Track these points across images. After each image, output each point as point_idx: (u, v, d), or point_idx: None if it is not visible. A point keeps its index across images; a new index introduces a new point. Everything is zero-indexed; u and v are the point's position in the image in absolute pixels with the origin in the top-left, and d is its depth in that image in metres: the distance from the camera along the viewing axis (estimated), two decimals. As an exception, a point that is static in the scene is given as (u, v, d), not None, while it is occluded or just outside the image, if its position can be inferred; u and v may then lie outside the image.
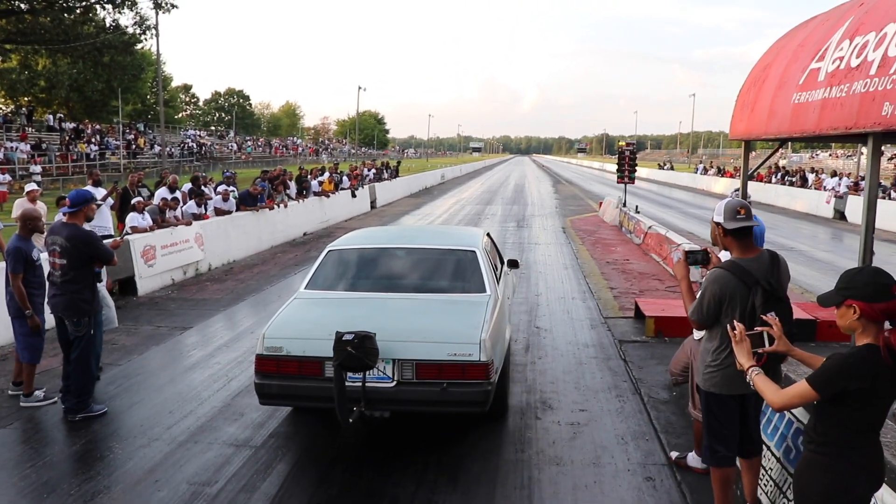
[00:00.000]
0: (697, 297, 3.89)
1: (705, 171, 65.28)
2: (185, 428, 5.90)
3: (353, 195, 24.27)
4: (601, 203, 25.80)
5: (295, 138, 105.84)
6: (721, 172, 48.40)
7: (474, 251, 6.40)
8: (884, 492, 3.46)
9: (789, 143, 5.88)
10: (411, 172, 47.14)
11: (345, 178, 24.85)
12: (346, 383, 4.98)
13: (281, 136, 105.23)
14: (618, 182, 22.16)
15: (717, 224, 3.90)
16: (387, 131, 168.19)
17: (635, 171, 21.66)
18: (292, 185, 19.21)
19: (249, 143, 77.21)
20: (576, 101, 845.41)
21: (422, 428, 5.90)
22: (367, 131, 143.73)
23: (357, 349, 4.85)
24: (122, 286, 11.06)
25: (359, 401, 5.01)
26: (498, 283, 6.44)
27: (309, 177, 21.50)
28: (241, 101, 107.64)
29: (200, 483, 4.94)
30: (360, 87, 79.44)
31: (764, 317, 3.29)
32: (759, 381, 3.00)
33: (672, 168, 64.22)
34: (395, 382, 5.05)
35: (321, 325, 5.21)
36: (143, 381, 7.15)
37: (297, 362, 5.13)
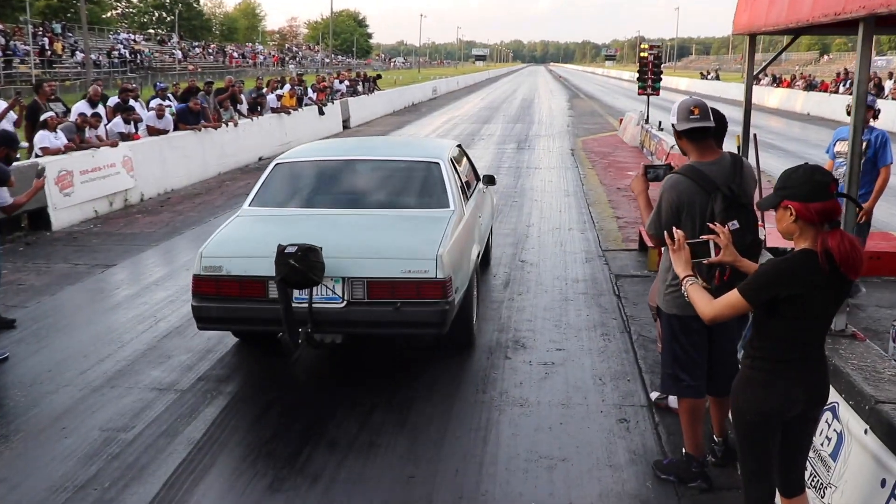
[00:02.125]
0: (655, 207, 4.23)
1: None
2: (101, 373, 6.31)
3: (321, 112, 24.44)
4: (621, 120, 26.05)
5: (255, 44, 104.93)
6: (777, 82, 48.26)
7: (438, 163, 6.84)
8: (849, 416, 3.86)
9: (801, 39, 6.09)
10: (398, 86, 47.17)
11: (310, 91, 24.99)
12: (293, 304, 5.43)
13: (237, 42, 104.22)
14: (639, 94, 22.35)
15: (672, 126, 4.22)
16: (369, 36, 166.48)
17: (660, 80, 21.80)
18: (244, 99, 19.39)
19: (198, 49, 76.69)
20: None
21: (374, 366, 6.36)
22: (345, 36, 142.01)
23: (300, 262, 5.29)
24: (31, 219, 11.39)
25: (306, 322, 5.46)
26: (468, 199, 7.03)
27: (265, 90, 21.65)
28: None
29: (114, 429, 5.35)
30: None
31: (711, 224, 3.61)
32: (692, 291, 3.32)
33: (717, 78, 64.01)
34: (344, 302, 5.54)
35: (265, 243, 5.60)
36: (54, 323, 7.54)
37: (238, 282, 5.59)
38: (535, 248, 10.30)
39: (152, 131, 15.02)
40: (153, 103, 16.02)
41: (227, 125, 17.53)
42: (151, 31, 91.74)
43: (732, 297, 3.14)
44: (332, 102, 26.29)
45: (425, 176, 6.78)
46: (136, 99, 16.25)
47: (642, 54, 22.16)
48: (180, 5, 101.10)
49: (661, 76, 22.08)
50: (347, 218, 6.29)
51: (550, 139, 24.29)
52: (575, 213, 12.64)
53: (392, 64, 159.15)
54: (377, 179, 6.92)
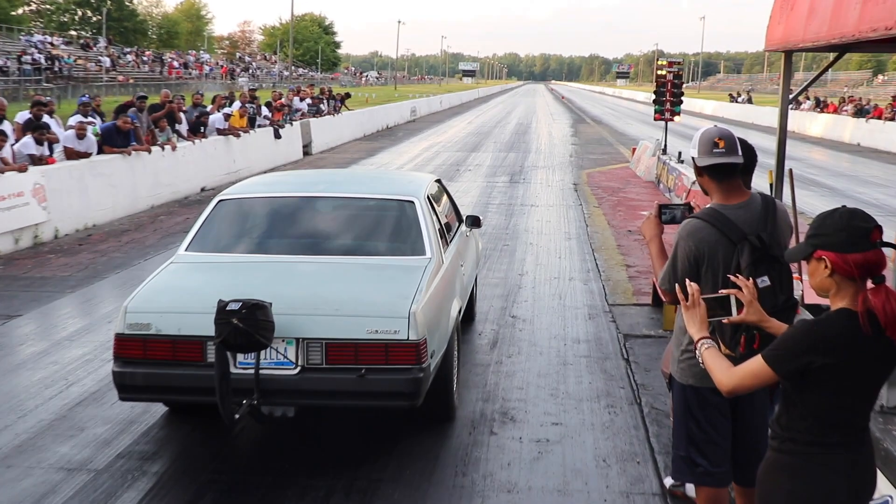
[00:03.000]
0: (669, 257, 4.26)
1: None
2: (-2, 446, 6.25)
3: (277, 135, 24.59)
4: (634, 150, 26.37)
5: (200, 52, 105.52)
6: (821, 106, 48.92)
7: (413, 201, 6.85)
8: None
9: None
10: (370, 105, 47.56)
11: (264, 110, 25.15)
12: (236, 369, 5.43)
13: (178, 49, 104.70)
14: (655, 119, 22.64)
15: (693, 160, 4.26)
16: (337, 45, 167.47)
17: (680, 102, 22.08)
18: (182, 118, 19.48)
19: (130, 56, 77.12)
20: (618, 2, 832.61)
21: (332, 440, 6.33)
22: (308, 44, 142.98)
23: (244, 321, 5.20)
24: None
25: (251, 392, 5.42)
26: (448, 245, 7.16)
27: (210, 107, 21.76)
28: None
29: (12, 517, 5.30)
30: None
31: (732, 277, 3.64)
32: (708, 356, 3.31)
33: (750, 100, 64.87)
34: (298, 368, 5.50)
35: (203, 296, 5.58)
36: (-54, 384, 7.47)
37: (170, 343, 5.53)
38: (529, 302, 10.33)
39: (71, 154, 15.04)
40: (73, 120, 16.06)
41: (162, 148, 17.59)
42: (73, 32, 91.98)
43: (755, 364, 3.12)
44: (291, 124, 26.47)
45: (398, 217, 6.82)
46: (51, 115, 16.29)
47: (660, 72, 22.45)
48: (109, 3, 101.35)
49: (682, 98, 22.32)
50: (304, 266, 6.31)
51: (550, 171, 24.51)
52: (577, 260, 12.71)
53: (364, 79, 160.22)
54: (341, 221, 6.96)
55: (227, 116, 21.67)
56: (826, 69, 7.30)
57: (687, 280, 3.61)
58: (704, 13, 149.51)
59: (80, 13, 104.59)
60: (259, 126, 23.85)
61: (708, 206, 4.25)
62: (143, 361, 5.56)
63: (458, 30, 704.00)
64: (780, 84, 6.76)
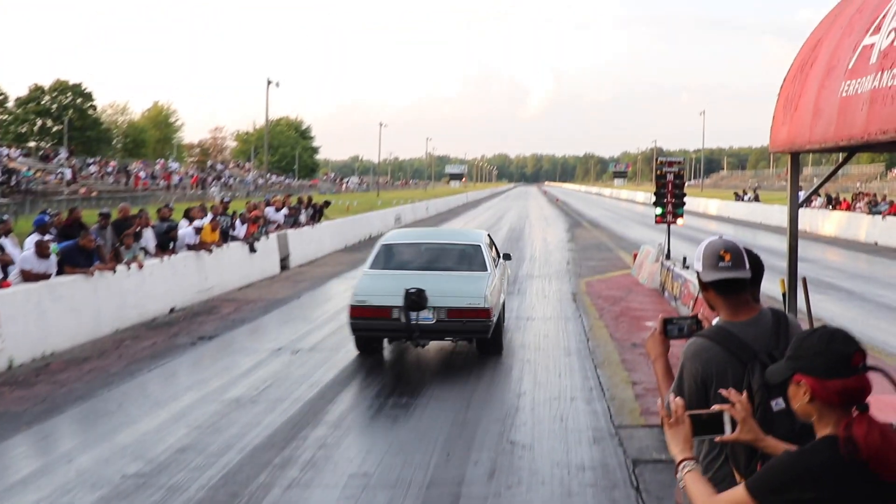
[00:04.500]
0: (675, 378, 4.24)
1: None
2: None
3: (252, 249, 24.64)
4: (636, 255, 26.55)
5: (169, 161, 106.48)
6: (833, 203, 49.43)
7: (479, 245, 15.13)
8: None
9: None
10: (351, 213, 47.73)
11: (238, 223, 25.27)
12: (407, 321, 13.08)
13: (145, 159, 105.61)
14: (657, 222, 22.85)
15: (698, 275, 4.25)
16: (315, 150, 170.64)
17: (683, 203, 22.33)
18: (149, 233, 19.54)
19: (93, 167, 77.76)
20: (612, 98, 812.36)
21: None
22: (285, 150, 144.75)
23: (417, 297, 12.87)
24: None
25: (415, 331, 13.06)
26: (496, 267, 14.94)
27: (183, 221, 21.86)
28: (78, 101, 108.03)
29: None
30: (270, 82, 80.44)
31: (723, 391, 3.59)
32: (689, 480, 3.28)
33: (757, 198, 65.59)
34: (435, 320, 13.07)
35: (387, 287, 13.37)
36: None
37: (374, 308, 13.22)
38: (528, 425, 10.27)
39: (29, 276, 15.02)
40: (30, 241, 16.02)
41: (128, 267, 17.58)
42: (32, 144, 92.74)
43: (739, 494, 3.06)
44: (267, 237, 26.55)
45: (473, 252, 14.90)
46: (7, 234, 16.32)
47: (658, 172, 22.74)
48: (71, 112, 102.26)
49: (685, 198, 22.59)
50: (431, 275, 13.90)
51: (546, 281, 24.61)
52: (579, 378, 12.68)
53: (344, 185, 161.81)
54: (445, 254, 15.00)
55: (198, 230, 21.74)
56: (836, 170, 7.39)
57: (671, 395, 3.59)
58: (704, 108, 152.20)
59: (39, 123, 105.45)
60: (233, 239, 23.90)
61: (714, 323, 4.26)
62: (363, 318, 13.32)
63: (443, 131, 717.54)
64: (788, 187, 6.84)
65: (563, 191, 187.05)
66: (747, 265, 4.19)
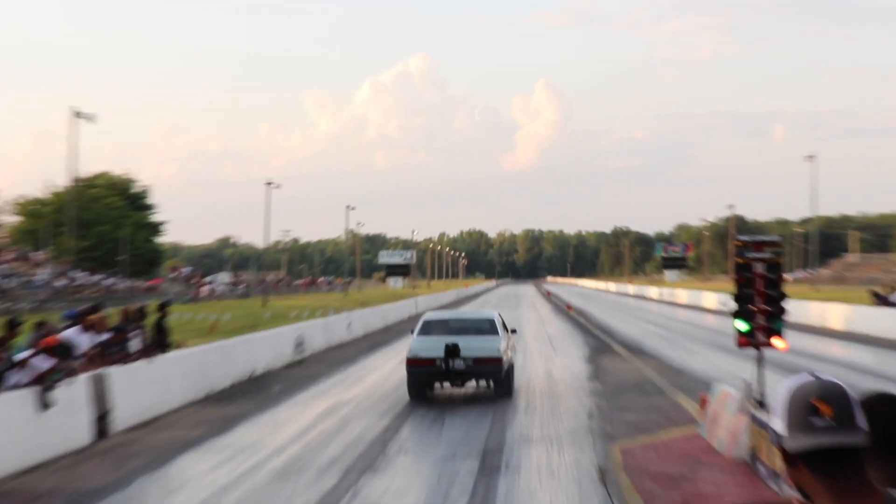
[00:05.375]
0: None
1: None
2: None
3: (45, 404, 15.86)
4: (704, 399, 18.13)
5: None
6: None
7: (493, 318, 24.11)
8: None
9: None
10: (219, 336, 34.64)
11: (20, 354, 16.02)
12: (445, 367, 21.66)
13: None
14: (740, 344, 15.51)
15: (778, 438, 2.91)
16: (157, 229, 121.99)
17: (782, 311, 14.78)
18: None
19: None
20: (656, 133, 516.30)
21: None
22: (104, 228, 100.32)
23: (454, 349, 21.26)
24: None
25: (449, 374, 21.29)
26: (506, 333, 23.79)
27: None
28: None
29: None
30: (79, 115, 64.69)
31: None
32: None
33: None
34: (465, 366, 21.21)
35: (431, 344, 21.80)
36: None
37: (423, 359, 21.56)
38: None
39: None
40: None
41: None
42: None
43: None
44: (70, 381, 17.43)
45: (490, 323, 23.51)
46: None
47: (739, 259, 15.03)
48: None
49: (786, 303, 15.19)
50: (461, 338, 21.72)
51: (553, 446, 16.73)
52: None
53: (208, 287, 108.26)
54: (469, 324, 24.17)
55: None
56: None
57: None
58: (813, 149, 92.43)
59: None
60: (10, 387, 15.27)
61: None
62: (416, 366, 21.56)
63: (375, 195, 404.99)
64: None
65: (578, 292, 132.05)
66: (863, 423, 2.79)
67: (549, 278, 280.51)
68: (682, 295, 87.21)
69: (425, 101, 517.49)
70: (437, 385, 22.64)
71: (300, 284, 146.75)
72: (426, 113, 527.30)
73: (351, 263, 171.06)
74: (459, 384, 22.10)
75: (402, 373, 24.28)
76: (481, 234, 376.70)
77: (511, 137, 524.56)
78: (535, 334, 45.31)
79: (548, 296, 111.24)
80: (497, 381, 21.64)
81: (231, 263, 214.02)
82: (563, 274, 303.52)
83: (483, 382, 22.27)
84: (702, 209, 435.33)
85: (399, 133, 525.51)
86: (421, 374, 21.61)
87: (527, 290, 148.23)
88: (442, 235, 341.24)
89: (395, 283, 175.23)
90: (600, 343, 38.73)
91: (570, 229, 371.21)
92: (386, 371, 29.00)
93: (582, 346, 37.43)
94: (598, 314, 64.71)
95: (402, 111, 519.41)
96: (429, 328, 23.20)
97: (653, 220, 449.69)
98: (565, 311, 69.03)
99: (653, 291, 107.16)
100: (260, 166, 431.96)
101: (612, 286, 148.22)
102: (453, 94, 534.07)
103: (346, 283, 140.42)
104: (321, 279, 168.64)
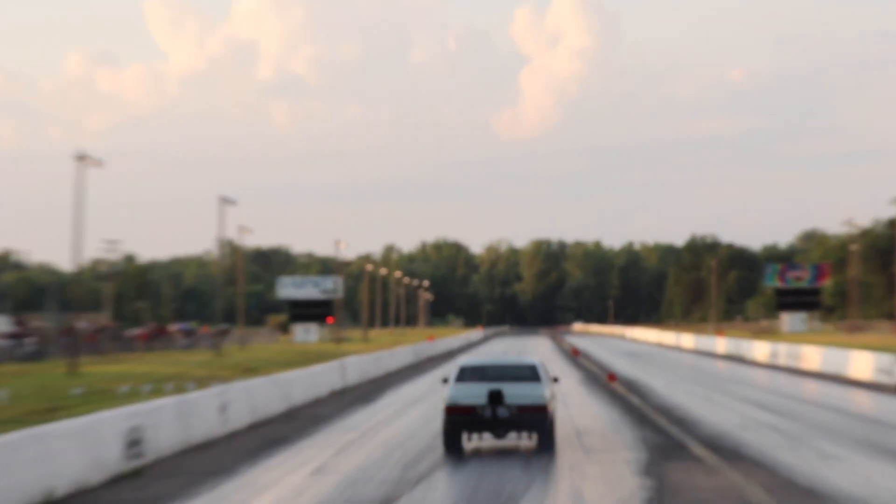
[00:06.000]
0: None
1: None
2: None
3: None
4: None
5: None
6: None
7: (535, 365, 22.72)
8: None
9: None
10: None
11: None
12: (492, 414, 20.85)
13: None
14: None
15: None
16: None
17: None
18: None
19: None
20: (765, 76, 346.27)
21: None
22: None
23: (498, 396, 20.54)
24: None
25: (493, 423, 20.54)
26: (549, 381, 22.37)
27: None
28: None
29: None
30: None
31: None
32: None
33: None
34: (509, 414, 20.47)
35: (472, 393, 20.90)
36: None
37: (463, 407, 20.83)
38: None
39: None
40: None
41: None
42: None
43: None
44: None
45: (533, 369, 22.11)
46: None
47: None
48: None
49: None
50: (503, 384, 20.82)
51: None
52: None
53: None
54: (510, 369, 22.98)
55: None
56: None
57: None
58: None
59: None
60: None
61: None
62: (455, 413, 20.76)
63: (270, 181, 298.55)
64: None
65: (627, 349, 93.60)
66: None
67: (577, 326, 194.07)
68: (813, 356, 54.75)
69: (359, 16, 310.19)
70: (475, 437, 21.43)
71: (138, 336, 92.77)
72: (362, 36, 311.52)
73: (228, 298, 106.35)
74: (502, 435, 20.92)
75: (328, 492, 16.26)
76: (458, 249, 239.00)
77: (511, 80, 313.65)
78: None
79: (574, 355, 75.34)
80: (542, 431, 20.92)
81: (12, 300, 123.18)
82: (602, 318, 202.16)
83: (525, 434, 21.45)
84: (848, 206, 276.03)
85: (313, 72, 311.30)
86: (461, 423, 20.83)
87: (537, 346, 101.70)
88: (389, 250, 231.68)
89: (307, 333, 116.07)
90: (667, 440, 24.37)
91: (614, 241, 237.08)
92: (289, 491, 17.58)
93: (634, 445, 23.33)
94: (664, 389, 42.64)
95: (319, 33, 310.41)
96: (465, 375, 22.09)
97: (760, 227, 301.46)
98: (606, 382, 45.44)
99: (760, 350, 68.24)
100: (66, 130, 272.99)
101: (686, 339, 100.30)
102: (410, 6, 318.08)
103: (218, 334, 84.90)
104: (175, 326, 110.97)
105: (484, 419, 20.43)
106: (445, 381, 22.06)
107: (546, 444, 21.07)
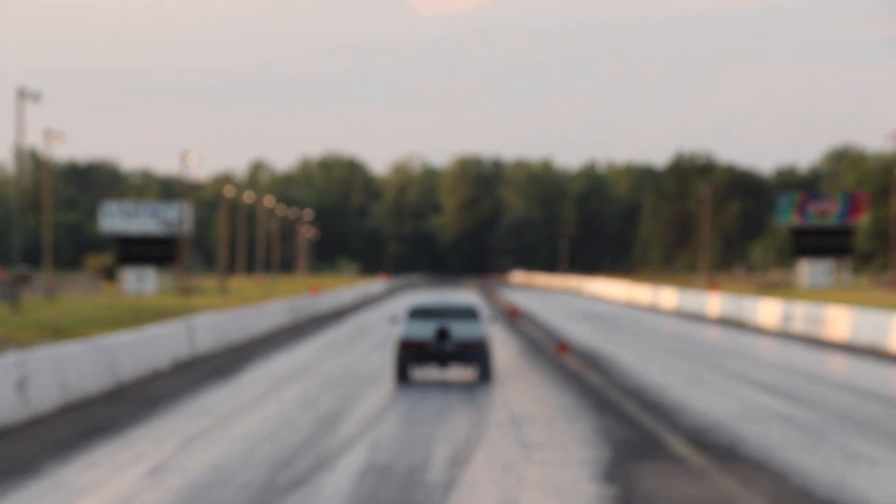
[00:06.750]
0: None
1: None
2: None
3: None
4: None
5: None
6: None
7: (475, 305, 31.63)
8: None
9: None
10: None
11: None
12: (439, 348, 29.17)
13: None
14: None
15: None
16: None
17: None
18: None
19: None
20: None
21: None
22: None
23: (446, 333, 28.26)
24: None
25: (440, 355, 28.43)
26: (487, 320, 31.13)
27: None
28: None
29: None
30: None
31: None
32: None
33: None
34: (454, 348, 28.19)
35: (422, 329, 28.52)
36: None
37: (416, 342, 28.35)
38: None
39: None
40: None
41: None
42: None
43: None
44: None
45: (473, 310, 30.20)
46: None
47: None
48: None
49: None
50: (448, 321, 28.54)
51: None
52: None
53: None
54: (453, 310, 30.08)
55: None
56: None
57: None
58: None
59: None
60: None
61: None
62: (408, 347, 28.09)
63: (92, 65, 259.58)
64: None
65: (587, 308, 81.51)
66: None
67: (516, 275, 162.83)
68: (840, 321, 43.79)
69: None
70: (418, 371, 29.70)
71: None
72: None
73: (30, 231, 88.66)
74: (446, 365, 28.83)
75: (169, 500, 12.17)
76: (353, 168, 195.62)
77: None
78: (483, 418, 22.06)
79: (512, 317, 62.82)
80: (482, 364, 28.24)
81: None
82: (551, 265, 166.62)
83: (466, 365, 29.10)
84: (894, 114, 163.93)
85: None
86: (412, 356, 27.96)
87: (466, 298, 66.79)
88: (257, 167, 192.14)
89: (141, 281, 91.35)
90: (637, 434, 19.80)
91: (569, 159, 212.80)
92: (114, 499, 13.07)
93: (592, 439, 18.77)
94: (634, 365, 35.73)
95: None
96: (415, 314, 29.06)
97: (771, 142, 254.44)
98: (555, 355, 38.58)
99: (768, 311, 54.80)
100: None
101: (668, 297, 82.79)
102: None
103: (16, 281, 66.07)
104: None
105: (432, 352, 27.75)
106: (394, 320, 30.23)
107: (485, 375, 28.34)
